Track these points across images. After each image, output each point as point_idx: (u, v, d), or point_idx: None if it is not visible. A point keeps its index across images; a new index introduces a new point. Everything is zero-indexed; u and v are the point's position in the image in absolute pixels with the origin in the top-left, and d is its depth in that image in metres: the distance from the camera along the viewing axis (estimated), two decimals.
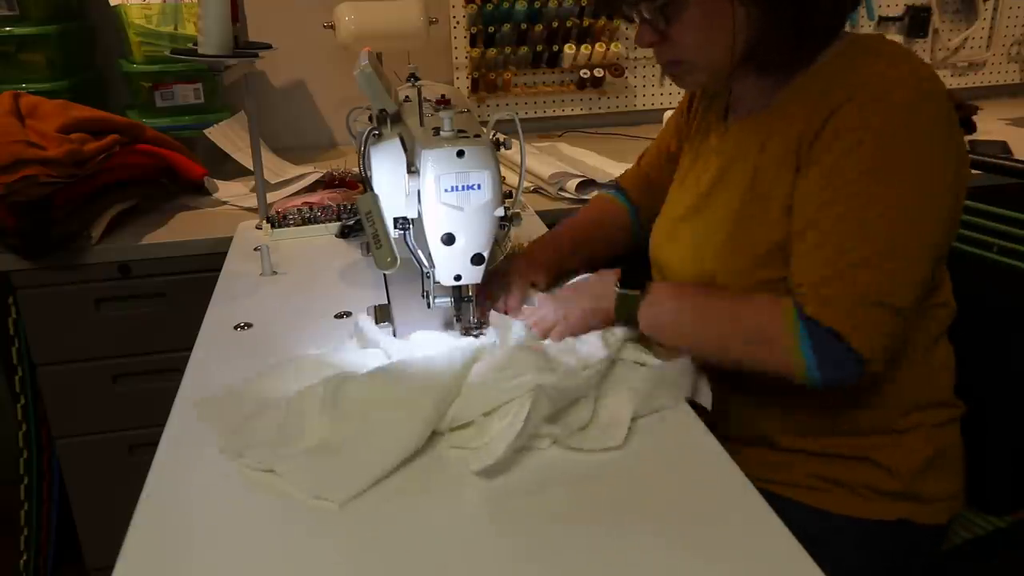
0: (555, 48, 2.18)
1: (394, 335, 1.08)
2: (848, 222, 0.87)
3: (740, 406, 1.03)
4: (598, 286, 1.02)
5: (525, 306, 1.08)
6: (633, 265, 1.02)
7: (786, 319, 0.89)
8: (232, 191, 1.78)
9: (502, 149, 1.01)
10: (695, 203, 1.06)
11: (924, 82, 0.87)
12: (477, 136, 0.97)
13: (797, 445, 1.02)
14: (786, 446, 1.02)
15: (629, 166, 1.86)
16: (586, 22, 2.18)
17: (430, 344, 1.00)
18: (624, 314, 0.98)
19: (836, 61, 0.93)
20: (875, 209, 0.86)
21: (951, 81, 2.44)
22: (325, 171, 1.79)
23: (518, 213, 1.01)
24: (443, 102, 1.11)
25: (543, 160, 1.84)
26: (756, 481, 1.00)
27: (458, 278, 1.00)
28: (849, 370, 0.87)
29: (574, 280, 1.08)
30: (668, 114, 1.95)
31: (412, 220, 1.00)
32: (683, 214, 1.08)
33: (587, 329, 1.00)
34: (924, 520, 1.00)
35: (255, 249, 1.36)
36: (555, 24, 2.16)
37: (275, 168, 1.89)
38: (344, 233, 1.44)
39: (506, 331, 0.99)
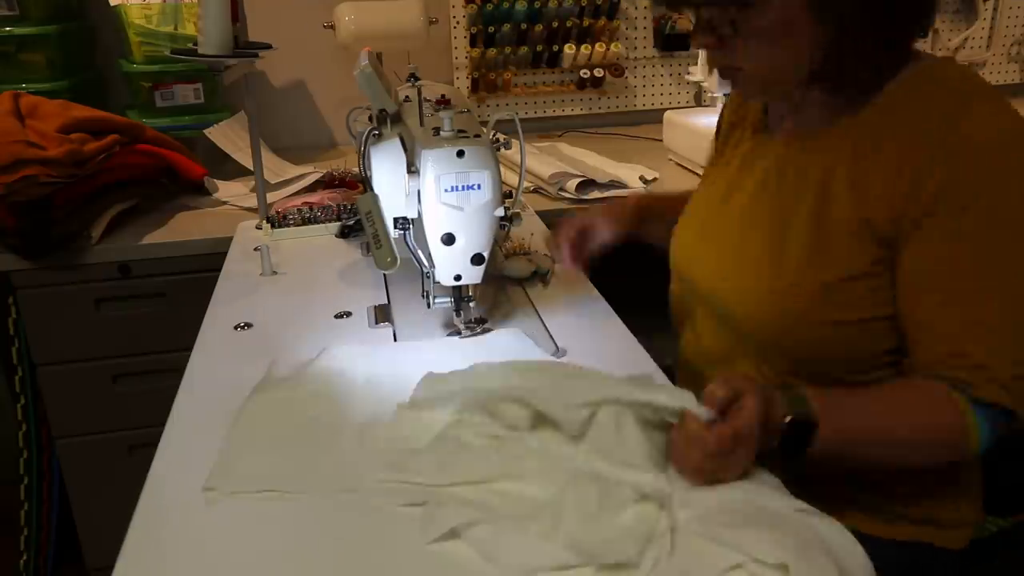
0: (555, 48, 2.18)
1: (394, 338, 1.08)
2: (988, 292, 0.84)
3: None
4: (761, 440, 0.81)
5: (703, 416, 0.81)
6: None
7: (965, 412, 0.85)
8: (232, 191, 1.78)
9: (502, 149, 1.01)
10: (741, 222, 1.00)
11: (1014, 123, 0.85)
12: (477, 136, 0.97)
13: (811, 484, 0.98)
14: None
15: (628, 165, 1.87)
16: (586, 22, 2.18)
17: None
18: (792, 470, 0.85)
19: (914, 96, 0.88)
20: (1011, 271, 0.84)
21: None
22: (325, 171, 1.79)
23: (518, 213, 1.01)
24: (443, 102, 1.11)
25: (543, 160, 1.84)
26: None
27: (458, 278, 1.00)
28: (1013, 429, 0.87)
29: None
30: (668, 114, 1.97)
31: (412, 220, 1.00)
32: (720, 229, 1.03)
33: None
34: (944, 544, 0.98)
35: (255, 249, 1.36)
36: (555, 24, 2.16)
37: (275, 168, 1.89)
38: (344, 233, 1.44)
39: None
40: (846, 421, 0.86)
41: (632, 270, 1.32)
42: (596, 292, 1.19)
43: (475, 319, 1.07)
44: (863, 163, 0.89)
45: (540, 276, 1.24)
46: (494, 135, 1.00)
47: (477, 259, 0.99)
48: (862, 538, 0.95)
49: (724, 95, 1.85)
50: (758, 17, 0.86)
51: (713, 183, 1.10)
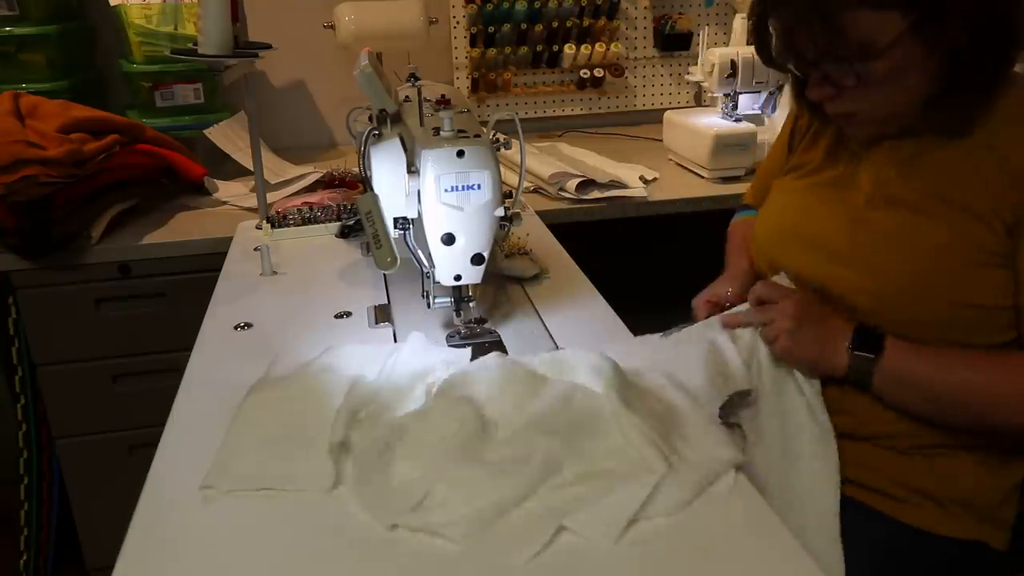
0: (555, 48, 2.18)
1: (394, 339, 1.08)
2: None
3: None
4: (827, 336, 0.95)
5: (776, 281, 1.04)
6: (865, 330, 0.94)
7: None
8: (232, 191, 1.78)
9: (502, 149, 1.01)
10: (850, 214, 1.00)
11: None
12: (477, 136, 0.97)
13: (880, 466, 0.99)
14: (876, 432, 0.99)
15: (628, 165, 1.88)
16: (586, 22, 2.18)
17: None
18: (857, 376, 0.94)
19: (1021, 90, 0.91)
20: None
21: None
22: (325, 171, 1.79)
23: (518, 213, 1.01)
24: (443, 102, 1.11)
25: (543, 160, 1.84)
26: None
27: (458, 278, 1.00)
28: None
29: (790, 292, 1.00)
30: (668, 114, 1.96)
31: (412, 220, 1.00)
32: (827, 224, 1.03)
33: (801, 368, 0.96)
34: (998, 545, 0.99)
35: (255, 249, 1.36)
36: (555, 24, 2.16)
37: (275, 168, 1.89)
38: (344, 233, 1.44)
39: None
40: (922, 349, 0.93)
41: (633, 270, 1.32)
42: (596, 292, 1.19)
43: (475, 319, 1.07)
44: (970, 162, 0.91)
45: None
46: (494, 135, 1.00)
47: (477, 259, 0.99)
48: (922, 534, 0.96)
49: (725, 95, 1.86)
50: (875, 62, 0.87)
51: (812, 180, 1.09)
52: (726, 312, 1.05)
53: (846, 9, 0.85)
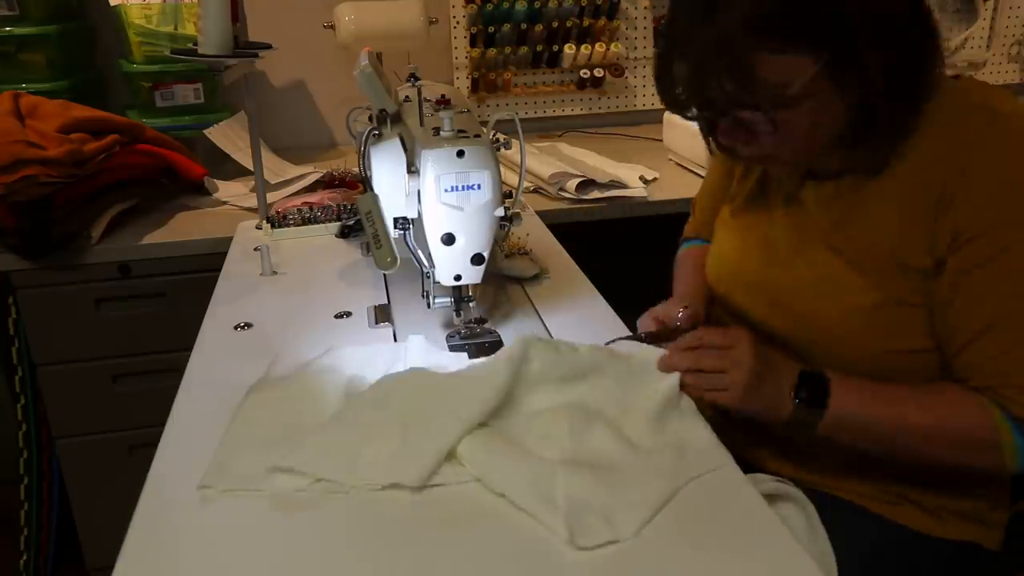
0: (555, 48, 2.18)
1: (394, 338, 1.08)
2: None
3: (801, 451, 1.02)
4: (775, 390, 0.91)
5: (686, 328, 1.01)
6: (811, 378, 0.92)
7: (999, 424, 0.86)
8: (232, 191, 1.78)
9: (502, 149, 1.01)
10: (782, 256, 1.00)
11: None
12: (477, 136, 0.97)
13: (868, 464, 0.99)
14: (851, 466, 1.00)
15: (628, 165, 1.87)
16: (586, 22, 2.18)
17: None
18: (800, 428, 0.91)
19: (940, 117, 0.89)
20: None
21: None
22: (325, 171, 1.79)
23: (518, 213, 1.01)
24: (443, 102, 1.11)
25: (543, 160, 1.84)
26: (826, 488, 1.00)
27: (458, 278, 1.00)
28: None
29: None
30: (668, 114, 1.96)
31: (412, 220, 1.00)
32: (763, 266, 1.02)
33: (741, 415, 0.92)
34: (987, 543, 0.99)
35: (255, 249, 1.36)
36: (555, 24, 2.16)
37: (275, 168, 1.89)
38: (344, 233, 1.44)
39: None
40: (863, 391, 0.91)
41: (633, 270, 1.32)
42: (596, 292, 1.19)
43: (475, 319, 1.07)
44: (908, 187, 0.89)
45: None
46: (494, 135, 1.00)
47: (477, 259, 0.99)
48: (915, 535, 0.97)
49: None
50: (787, 103, 0.84)
51: (747, 224, 1.08)
52: (672, 345, 0.96)
53: (754, 53, 0.81)
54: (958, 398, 0.89)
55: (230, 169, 1.87)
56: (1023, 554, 1.03)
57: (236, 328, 1.11)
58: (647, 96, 2.35)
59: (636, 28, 2.28)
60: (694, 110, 0.91)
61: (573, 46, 2.18)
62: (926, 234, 0.88)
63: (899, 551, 0.98)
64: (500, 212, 0.97)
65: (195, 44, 1.35)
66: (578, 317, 1.12)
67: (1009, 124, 0.87)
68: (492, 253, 1.00)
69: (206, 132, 1.85)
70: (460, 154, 0.94)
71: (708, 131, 0.94)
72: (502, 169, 0.99)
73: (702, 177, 1.83)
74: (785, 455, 1.03)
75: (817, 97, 0.84)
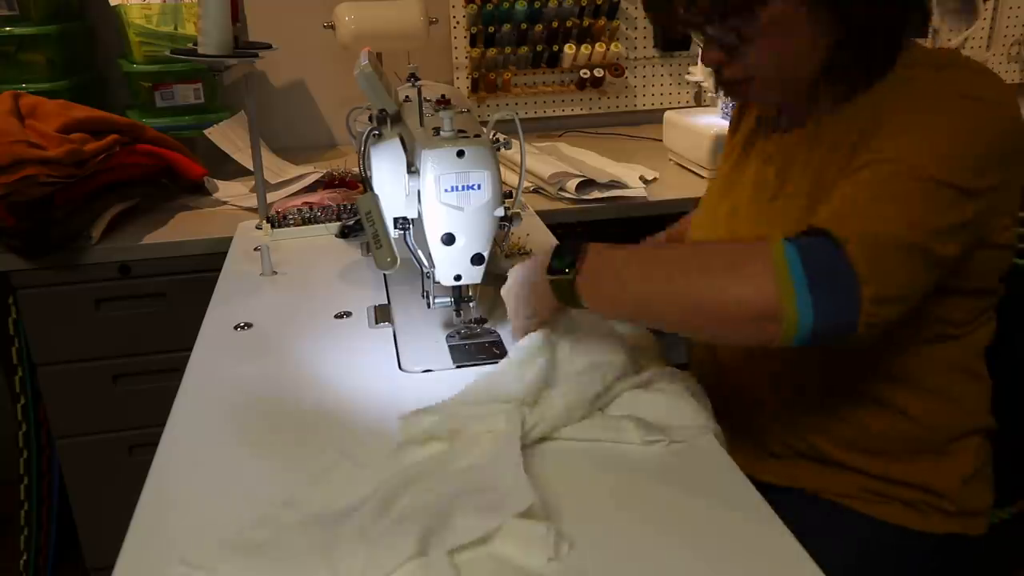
0: (555, 48, 2.18)
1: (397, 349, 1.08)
2: (878, 180, 0.80)
3: (780, 415, 1.02)
4: (536, 281, 0.91)
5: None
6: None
7: (771, 244, 0.76)
8: (232, 191, 1.78)
9: (502, 149, 1.01)
10: (756, 211, 1.01)
11: (998, 85, 0.85)
12: (477, 136, 0.97)
13: (849, 461, 0.99)
14: (838, 459, 1.00)
15: (628, 165, 1.87)
16: (586, 22, 2.18)
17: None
18: (566, 300, 0.87)
19: (904, 72, 0.90)
20: (908, 165, 0.79)
21: None
22: (325, 171, 1.79)
23: (518, 213, 1.01)
24: (443, 102, 1.11)
25: (543, 160, 1.84)
26: (810, 490, 1.00)
27: (458, 278, 1.00)
28: (847, 302, 0.74)
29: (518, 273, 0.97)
30: (668, 114, 1.96)
31: (412, 220, 1.00)
32: (741, 226, 1.03)
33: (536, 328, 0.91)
34: (973, 532, 1.00)
35: (255, 249, 1.36)
36: (555, 24, 2.16)
37: (275, 168, 1.89)
38: (344, 233, 1.44)
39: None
40: (617, 256, 0.86)
41: None
42: None
43: (475, 319, 1.07)
44: (852, 131, 0.90)
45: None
46: (494, 135, 1.00)
47: (477, 259, 0.99)
48: (902, 532, 0.97)
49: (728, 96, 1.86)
50: (758, 18, 0.86)
51: (728, 186, 1.10)
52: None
53: None
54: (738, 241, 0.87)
55: (230, 169, 1.87)
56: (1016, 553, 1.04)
57: (236, 328, 1.11)
58: (647, 96, 2.35)
59: (636, 28, 2.28)
60: (679, 27, 0.93)
61: (573, 46, 2.18)
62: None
63: (886, 549, 0.98)
64: (500, 212, 0.97)
65: (195, 44, 1.35)
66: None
67: (955, 75, 0.87)
68: (492, 253, 1.00)
69: (206, 132, 1.85)
70: (460, 154, 0.94)
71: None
72: (502, 169, 0.99)
73: (702, 177, 1.84)
74: (768, 457, 1.04)
75: (791, 22, 0.86)
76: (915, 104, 0.85)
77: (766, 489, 0.78)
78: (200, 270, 1.53)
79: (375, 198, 1.00)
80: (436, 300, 1.05)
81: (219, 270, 1.33)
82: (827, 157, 0.93)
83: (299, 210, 1.50)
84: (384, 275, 1.25)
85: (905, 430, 0.97)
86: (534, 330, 0.92)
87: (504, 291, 0.98)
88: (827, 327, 0.75)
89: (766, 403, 1.03)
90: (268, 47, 1.38)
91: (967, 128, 0.82)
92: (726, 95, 1.00)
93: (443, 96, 1.13)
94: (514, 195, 1.07)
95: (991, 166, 0.82)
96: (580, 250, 0.86)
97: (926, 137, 0.81)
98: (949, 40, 2.40)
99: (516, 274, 0.96)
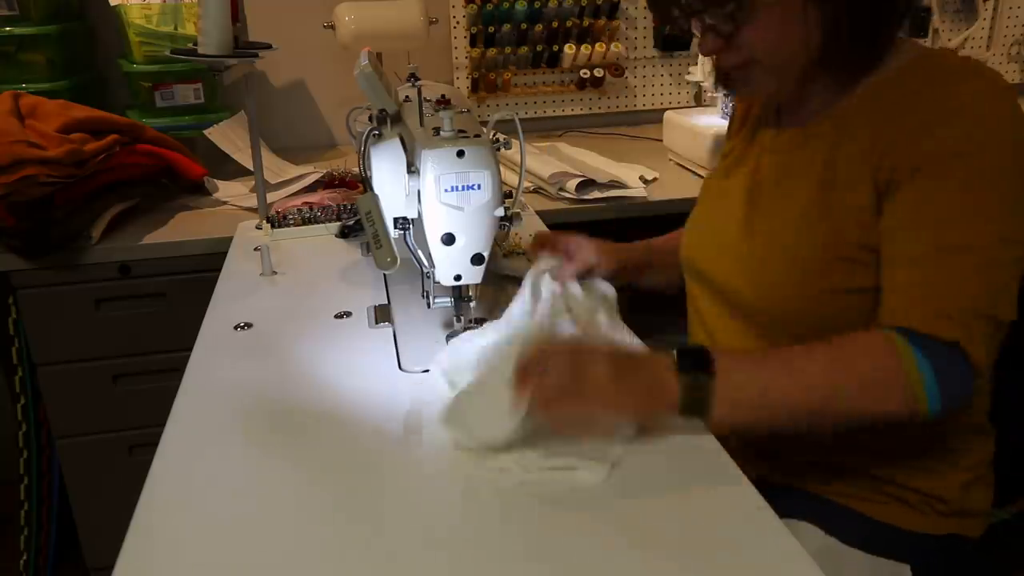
0: (555, 48, 2.18)
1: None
2: (947, 250, 0.83)
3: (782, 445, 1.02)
4: (646, 372, 0.82)
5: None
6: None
7: (901, 349, 0.81)
8: (232, 191, 1.78)
9: (502, 149, 1.01)
10: (746, 211, 1.01)
11: (1000, 100, 0.86)
12: (477, 136, 0.97)
13: (847, 462, 1.00)
14: (837, 461, 1.00)
15: (628, 165, 1.87)
16: (586, 22, 2.18)
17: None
18: (691, 401, 0.80)
19: (906, 77, 0.91)
20: (973, 230, 0.83)
21: None
22: (325, 171, 1.79)
23: (518, 213, 1.00)
24: (443, 102, 1.11)
25: (543, 160, 1.84)
26: (810, 489, 1.01)
27: (458, 278, 1.00)
28: (967, 388, 0.82)
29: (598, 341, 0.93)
30: (668, 114, 1.96)
31: (412, 220, 1.00)
32: (730, 222, 1.04)
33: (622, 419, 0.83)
34: (971, 533, 1.00)
35: (255, 249, 1.36)
36: (555, 24, 2.16)
37: (275, 168, 1.89)
38: (344, 233, 1.44)
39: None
40: (751, 355, 0.89)
41: None
42: None
43: (475, 319, 1.07)
44: (862, 138, 0.91)
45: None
46: (494, 135, 1.00)
47: (477, 259, 0.99)
48: (901, 532, 0.97)
49: (724, 95, 1.85)
50: (753, 6, 0.88)
51: (725, 187, 1.10)
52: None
53: None
54: (856, 337, 0.84)
55: (230, 169, 1.87)
56: (1016, 553, 1.04)
57: (236, 328, 1.11)
58: (647, 96, 2.35)
59: (636, 28, 2.28)
60: (679, 20, 0.94)
61: (573, 46, 2.18)
62: (874, 170, 0.89)
63: (885, 548, 0.99)
64: (500, 212, 0.97)
65: (195, 44, 1.35)
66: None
67: (976, 81, 0.87)
68: (492, 253, 1.00)
69: (206, 132, 1.85)
70: (460, 154, 0.93)
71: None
72: (502, 169, 0.99)
73: (702, 177, 1.84)
74: (765, 457, 1.04)
75: (785, 6, 0.88)
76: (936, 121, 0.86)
77: (765, 489, 0.78)
78: (200, 270, 1.54)
79: (375, 198, 1.00)
80: (436, 300, 1.05)
81: (219, 270, 1.33)
82: (829, 156, 0.93)
83: (299, 210, 1.50)
84: (384, 275, 1.25)
85: (904, 430, 0.97)
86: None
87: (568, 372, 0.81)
88: (949, 411, 0.83)
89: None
90: (268, 47, 1.38)
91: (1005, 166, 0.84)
92: (725, 87, 1.00)
93: (443, 96, 1.13)
94: (514, 195, 1.07)
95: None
96: (705, 354, 0.81)
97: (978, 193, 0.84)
98: (949, 40, 2.40)
99: (599, 366, 0.81)
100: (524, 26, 2.15)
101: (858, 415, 0.82)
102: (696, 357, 0.81)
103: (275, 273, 1.29)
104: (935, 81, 0.88)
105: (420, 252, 1.02)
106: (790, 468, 1.03)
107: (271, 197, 1.61)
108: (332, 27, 1.84)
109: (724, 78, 0.98)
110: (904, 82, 0.91)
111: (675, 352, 0.82)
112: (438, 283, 1.01)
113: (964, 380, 0.82)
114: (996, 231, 0.83)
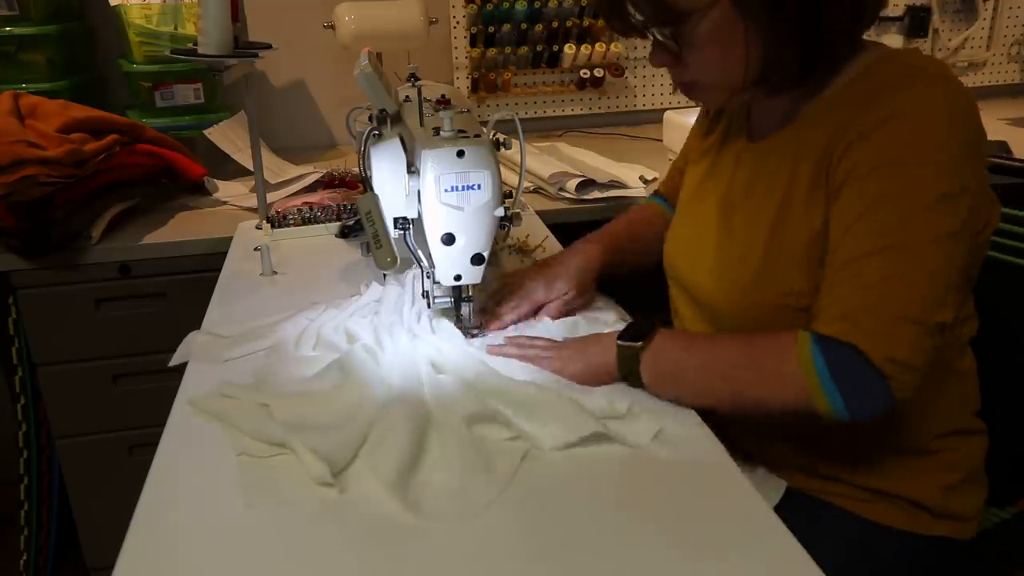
0: (555, 48, 2.18)
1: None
2: (872, 254, 0.84)
3: (767, 446, 1.03)
4: (599, 342, 0.97)
5: (521, 335, 1.05)
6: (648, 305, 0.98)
7: (801, 348, 0.84)
8: (232, 191, 1.78)
9: (502, 149, 1.01)
10: (720, 220, 1.03)
11: (952, 105, 0.85)
12: (477, 136, 0.97)
13: (832, 471, 1.00)
14: (822, 471, 1.01)
15: (628, 165, 1.87)
16: (586, 22, 2.18)
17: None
18: (626, 368, 0.92)
19: (865, 79, 0.91)
20: (900, 235, 0.83)
21: None
22: (325, 171, 1.79)
23: (518, 213, 1.01)
24: (443, 102, 1.11)
25: (543, 160, 1.84)
26: (802, 489, 1.01)
27: (458, 278, 1.00)
28: (877, 391, 0.82)
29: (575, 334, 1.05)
30: (668, 114, 1.96)
31: (412, 220, 1.00)
32: (706, 231, 1.05)
33: (586, 383, 0.94)
34: (960, 536, 1.00)
35: (255, 249, 1.36)
36: (555, 24, 2.16)
37: (275, 168, 1.89)
38: (344, 233, 1.44)
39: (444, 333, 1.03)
40: (687, 335, 1.00)
41: (633, 270, 1.32)
42: (596, 292, 1.19)
43: (475, 319, 1.07)
44: (819, 146, 0.91)
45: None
46: (494, 135, 1.00)
47: (477, 259, 0.99)
48: (891, 532, 0.97)
49: None
50: (695, 28, 0.88)
51: (700, 194, 1.11)
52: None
53: None
54: (778, 335, 0.88)
55: (230, 169, 1.87)
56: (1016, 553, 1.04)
57: None
58: (647, 96, 2.35)
59: None
60: (631, 32, 0.95)
61: (573, 46, 2.18)
62: (818, 181, 0.90)
63: (876, 549, 0.99)
64: (500, 212, 0.97)
65: (195, 44, 1.35)
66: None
67: (927, 84, 0.87)
68: (492, 253, 1.00)
69: (206, 132, 1.85)
70: (460, 154, 0.94)
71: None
72: (502, 169, 0.99)
73: None
74: (759, 457, 1.04)
75: (722, 20, 0.87)
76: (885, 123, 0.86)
77: None
78: (200, 270, 1.54)
79: (375, 198, 1.00)
80: (436, 300, 1.05)
81: (219, 270, 1.33)
82: (792, 171, 0.94)
83: (299, 210, 1.50)
84: (384, 275, 1.25)
85: (878, 434, 0.97)
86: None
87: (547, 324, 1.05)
88: (864, 414, 0.83)
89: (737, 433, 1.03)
90: (268, 47, 1.38)
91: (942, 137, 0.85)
92: (685, 95, 1.01)
93: (443, 96, 1.14)
94: (514, 195, 1.07)
95: (970, 157, 0.86)
96: (652, 329, 0.94)
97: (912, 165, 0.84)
98: (949, 40, 2.40)
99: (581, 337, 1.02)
100: (524, 26, 2.15)
101: (758, 404, 0.88)
102: (640, 330, 0.94)
103: (275, 273, 1.29)
104: (883, 86, 0.88)
105: (420, 252, 1.02)
106: (780, 468, 1.03)
107: (271, 197, 1.61)
108: (332, 27, 1.84)
109: (681, 88, 0.99)
110: (857, 87, 0.91)
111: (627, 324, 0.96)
112: (438, 283, 1.01)
113: (866, 382, 0.82)
114: (928, 234, 0.83)
